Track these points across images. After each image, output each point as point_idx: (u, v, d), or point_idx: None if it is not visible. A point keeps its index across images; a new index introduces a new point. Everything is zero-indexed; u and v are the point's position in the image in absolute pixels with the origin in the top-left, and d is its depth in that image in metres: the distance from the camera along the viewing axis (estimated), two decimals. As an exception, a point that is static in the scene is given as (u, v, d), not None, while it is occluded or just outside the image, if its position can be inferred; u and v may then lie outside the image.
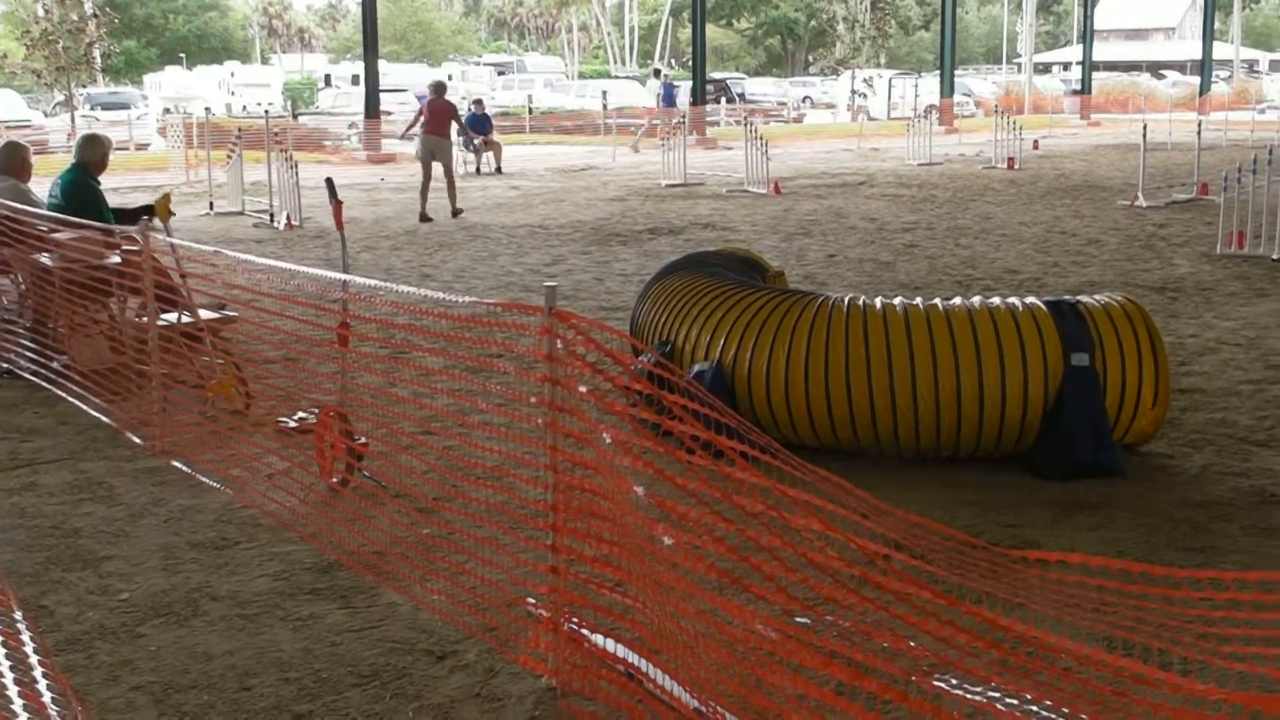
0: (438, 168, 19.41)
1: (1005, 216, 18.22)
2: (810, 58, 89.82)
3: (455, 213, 19.17)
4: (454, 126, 20.27)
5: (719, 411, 3.75)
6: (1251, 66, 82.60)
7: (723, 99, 49.46)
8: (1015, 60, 75.08)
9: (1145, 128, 20.39)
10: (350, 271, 6.79)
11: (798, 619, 3.21)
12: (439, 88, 20.32)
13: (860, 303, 6.95)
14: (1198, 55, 58.94)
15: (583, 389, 3.87)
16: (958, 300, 7.05)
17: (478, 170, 27.40)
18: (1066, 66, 75.96)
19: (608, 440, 3.68)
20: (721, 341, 7.05)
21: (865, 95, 47.62)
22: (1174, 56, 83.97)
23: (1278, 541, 5.70)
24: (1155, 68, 76.80)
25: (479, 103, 30.15)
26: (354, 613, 5.02)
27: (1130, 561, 5.32)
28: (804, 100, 61.04)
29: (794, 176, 24.97)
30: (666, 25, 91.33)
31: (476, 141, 27.61)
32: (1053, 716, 2.77)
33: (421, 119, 20.21)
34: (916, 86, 50.89)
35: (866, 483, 6.48)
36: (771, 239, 16.20)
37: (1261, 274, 12.83)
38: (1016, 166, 26.05)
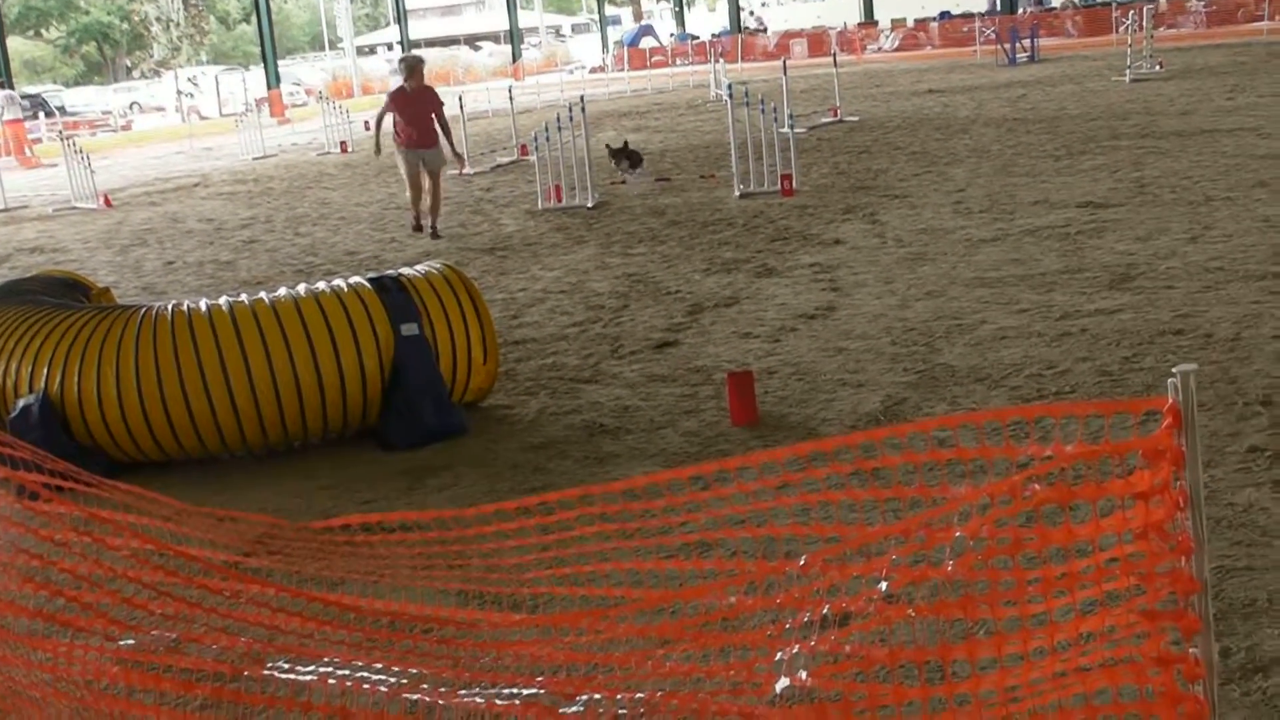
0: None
1: (342, 200, 18.40)
2: (130, 62, 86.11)
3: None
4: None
5: (10, 446, 3.56)
6: (558, 31, 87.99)
7: (40, 114, 46.46)
8: (339, 45, 75.67)
9: (461, 99, 21.23)
10: None
11: (121, 642, 3.13)
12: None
13: (185, 308, 6.81)
14: (507, 25, 62.06)
15: None
16: (283, 291, 7.08)
17: None
18: (390, 47, 77.52)
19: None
20: (45, 370, 6.66)
21: (192, 94, 46.44)
22: (487, 28, 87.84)
23: (608, 467, 6.18)
24: (472, 40, 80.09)
25: None
26: None
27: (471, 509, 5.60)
28: (131, 106, 58.50)
29: (126, 186, 23.94)
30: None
31: None
32: (385, 677, 2.88)
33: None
34: (245, 80, 50.15)
35: (222, 485, 6.46)
36: (106, 254, 15.47)
37: (579, 223, 13.77)
38: (349, 150, 26.33)
